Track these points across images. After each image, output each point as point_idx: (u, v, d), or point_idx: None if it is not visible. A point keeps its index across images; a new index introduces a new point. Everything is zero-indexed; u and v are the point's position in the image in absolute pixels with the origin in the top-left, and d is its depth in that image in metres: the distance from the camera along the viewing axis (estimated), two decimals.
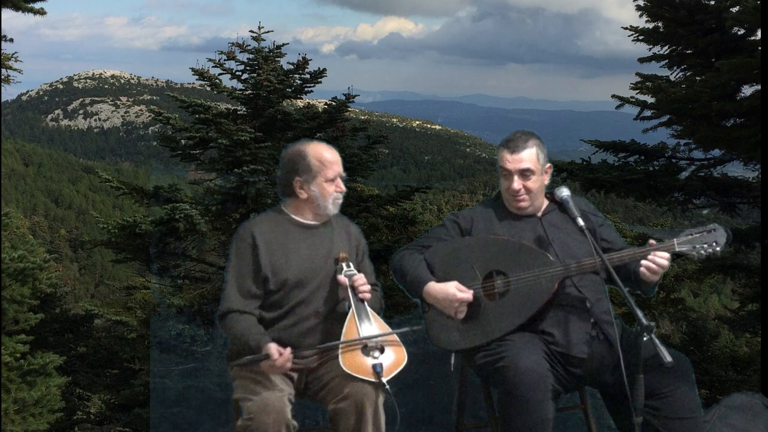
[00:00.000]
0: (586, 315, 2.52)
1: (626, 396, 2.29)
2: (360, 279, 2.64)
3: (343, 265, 2.66)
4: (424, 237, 2.83)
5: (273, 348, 2.47)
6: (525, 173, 2.62)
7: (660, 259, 2.46)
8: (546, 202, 2.74)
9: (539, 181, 2.66)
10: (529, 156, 2.63)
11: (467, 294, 2.58)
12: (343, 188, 2.74)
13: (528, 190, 2.64)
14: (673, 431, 2.40)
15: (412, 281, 2.68)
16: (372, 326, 2.56)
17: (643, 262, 2.47)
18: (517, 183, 2.62)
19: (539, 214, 2.70)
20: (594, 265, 2.50)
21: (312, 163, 2.69)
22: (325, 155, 2.72)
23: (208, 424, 6.79)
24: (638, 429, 2.30)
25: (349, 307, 2.61)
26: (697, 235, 2.47)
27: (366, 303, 2.62)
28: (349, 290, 2.62)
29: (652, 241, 2.51)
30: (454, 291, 2.58)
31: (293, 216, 2.75)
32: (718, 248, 2.46)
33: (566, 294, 2.54)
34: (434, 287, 2.63)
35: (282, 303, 2.65)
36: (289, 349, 2.49)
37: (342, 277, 2.63)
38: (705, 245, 2.46)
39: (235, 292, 2.62)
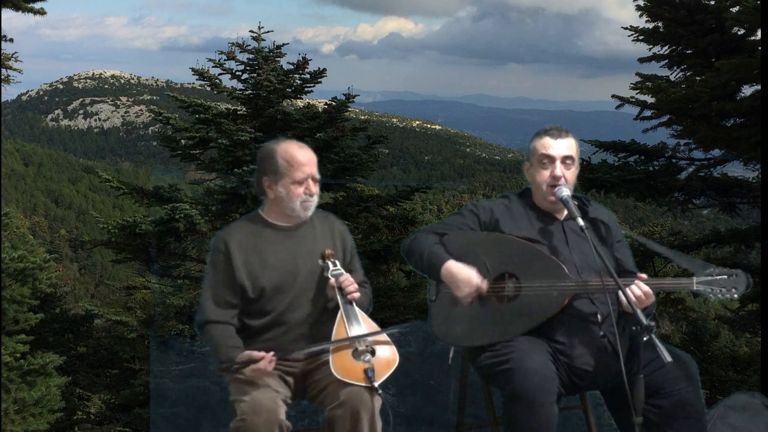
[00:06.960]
0: (596, 328, 2.47)
1: (627, 395, 2.27)
2: (347, 279, 2.55)
3: (329, 263, 2.58)
4: (440, 223, 2.74)
5: (254, 354, 2.42)
6: (567, 161, 2.57)
7: (639, 290, 2.38)
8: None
9: (575, 175, 2.60)
10: (570, 144, 2.59)
11: (484, 285, 2.52)
12: (314, 190, 2.60)
13: (566, 182, 2.56)
14: (676, 431, 2.38)
15: (430, 257, 2.58)
16: (361, 328, 2.49)
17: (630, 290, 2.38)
18: (560, 169, 2.55)
19: (562, 218, 2.62)
20: (609, 288, 2.41)
21: (279, 163, 2.58)
22: (295, 155, 2.59)
23: (208, 424, 6.78)
24: (638, 429, 2.28)
25: (338, 309, 2.53)
26: (718, 277, 2.39)
27: (354, 304, 2.55)
28: (336, 291, 2.54)
29: (641, 275, 2.45)
30: (474, 274, 2.52)
31: (269, 219, 2.66)
32: (735, 295, 2.38)
33: (578, 304, 2.48)
34: (456, 264, 2.54)
35: (267, 310, 2.59)
36: (269, 354, 2.43)
37: (330, 278, 2.55)
38: (723, 289, 2.38)
39: (211, 302, 2.58)
